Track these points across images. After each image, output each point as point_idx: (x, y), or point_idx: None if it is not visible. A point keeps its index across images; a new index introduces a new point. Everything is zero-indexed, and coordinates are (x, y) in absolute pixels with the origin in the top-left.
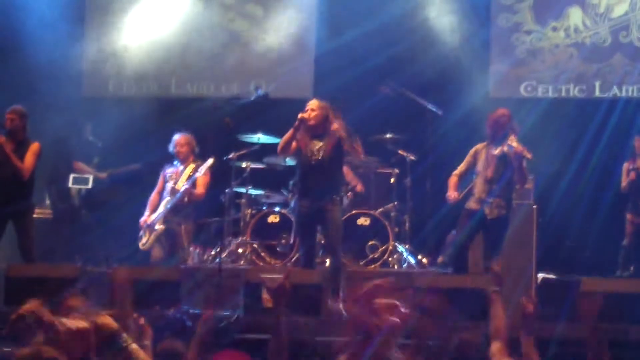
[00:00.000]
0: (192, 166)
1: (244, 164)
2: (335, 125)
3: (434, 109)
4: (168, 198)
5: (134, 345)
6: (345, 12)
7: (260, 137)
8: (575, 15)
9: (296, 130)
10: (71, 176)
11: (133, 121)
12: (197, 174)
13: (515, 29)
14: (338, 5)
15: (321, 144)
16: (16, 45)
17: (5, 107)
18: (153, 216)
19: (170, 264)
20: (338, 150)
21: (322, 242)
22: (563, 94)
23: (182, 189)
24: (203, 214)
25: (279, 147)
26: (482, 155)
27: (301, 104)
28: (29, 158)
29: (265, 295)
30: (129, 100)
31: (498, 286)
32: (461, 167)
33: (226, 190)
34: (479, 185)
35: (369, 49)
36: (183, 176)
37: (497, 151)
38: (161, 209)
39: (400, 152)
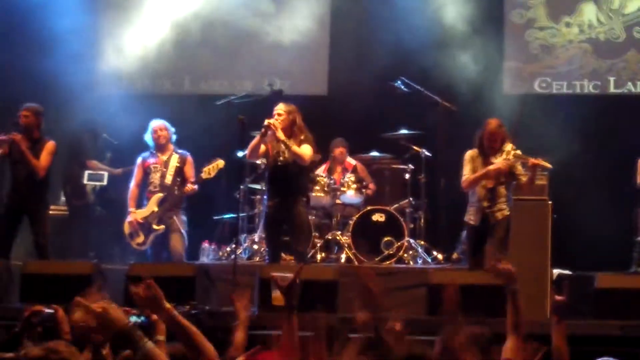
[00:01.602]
0: (175, 157)
1: (258, 161)
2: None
3: (448, 105)
4: (160, 195)
5: (150, 344)
6: (359, 9)
7: None
8: (589, 11)
9: (262, 137)
10: (86, 173)
11: (147, 118)
12: (205, 175)
13: (529, 25)
14: (351, 2)
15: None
16: (32, 44)
17: (22, 104)
18: (140, 212)
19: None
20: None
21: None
22: (577, 90)
23: (189, 191)
24: (218, 211)
25: (247, 153)
26: (477, 164)
27: (315, 101)
28: (45, 156)
29: (275, 294)
30: (142, 97)
31: (511, 282)
32: (469, 172)
33: (241, 187)
34: (479, 194)
35: (383, 46)
36: (170, 169)
37: (499, 160)
38: (154, 207)
39: (414, 148)
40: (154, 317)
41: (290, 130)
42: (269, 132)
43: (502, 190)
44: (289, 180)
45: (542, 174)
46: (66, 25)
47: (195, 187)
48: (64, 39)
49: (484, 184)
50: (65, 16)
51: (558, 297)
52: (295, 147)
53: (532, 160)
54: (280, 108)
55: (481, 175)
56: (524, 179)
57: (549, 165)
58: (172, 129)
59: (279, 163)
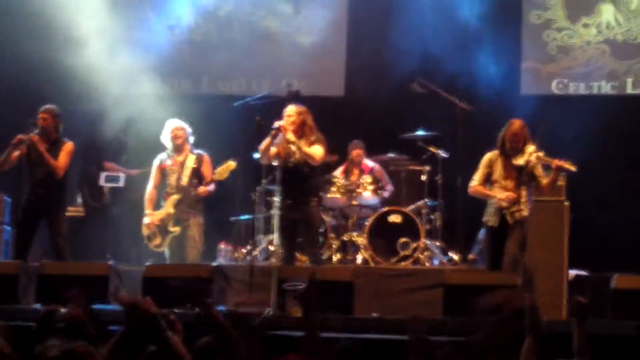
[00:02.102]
0: (192, 157)
1: (275, 162)
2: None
3: (465, 106)
4: (176, 196)
5: (175, 338)
6: (376, 10)
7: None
8: (607, 12)
9: (273, 139)
10: (103, 174)
11: (164, 119)
12: (217, 177)
13: (547, 25)
14: (369, 2)
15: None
16: (53, 45)
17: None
18: (157, 213)
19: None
20: None
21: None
22: (595, 91)
23: (203, 192)
24: (235, 212)
25: (259, 154)
26: (497, 165)
27: (333, 102)
28: (63, 157)
29: (291, 305)
30: (160, 97)
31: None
32: (480, 178)
33: (257, 188)
34: (499, 194)
35: (399, 47)
36: (185, 170)
37: (521, 161)
38: (170, 209)
39: (431, 149)
40: (172, 317)
41: (301, 131)
42: (279, 134)
43: (521, 191)
44: (301, 181)
45: (561, 175)
46: (86, 26)
47: (209, 188)
48: (83, 39)
49: (503, 185)
50: (86, 16)
51: (580, 299)
52: (305, 148)
53: (556, 162)
54: (291, 110)
55: (487, 196)
56: (544, 181)
57: (573, 168)
58: (189, 130)
59: (290, 164)
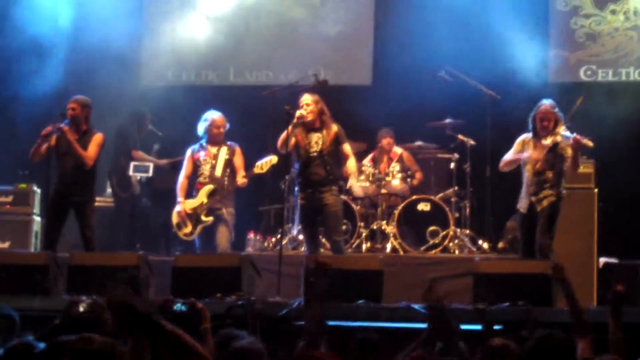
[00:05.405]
0: (224, 149)
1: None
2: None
3: (493, 94)
4: (211, 186)
5: (169, 325)
6: None
7: None
8: None
9: (295, 127)
10: (132, 164)
11: (192, 110)
12: (258, 170)
13: (574, 13)
14: None
15: (318, 136)
16: (75, 36)
17: (67, 97)
18: (189, 202)
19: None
20: (336, 143)
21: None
22: (623, 77)
23: (240, 185)
24: (264, 202)
25: (279, 144)
26: (530, 147)
27: (360, 91)
28: (92, 147)
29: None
30: (187, 88)
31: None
32: (510, 154)
33: (286, 177)
34: (527, 180)
35: (426, 35)
36: (219, 161)
37: (548, 141)
38: (203, 198)
39: (459, 137)
40: (199, 305)
41: (320, 120)
42: (300, 123)
43: (549, 175)
44: (322, 172)
45: (587, 162)
46: (110, 17)
47: (246, 180)
48: (107, 32)
49: (529, 169)
50: (108, 9)
51: (616, 287)
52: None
53: (575, 137)
54: (308, 98)
55: (515, 160)
56: (569, 161)
57: (590, 144)
58: (228, 123)
59: (311, 155)
